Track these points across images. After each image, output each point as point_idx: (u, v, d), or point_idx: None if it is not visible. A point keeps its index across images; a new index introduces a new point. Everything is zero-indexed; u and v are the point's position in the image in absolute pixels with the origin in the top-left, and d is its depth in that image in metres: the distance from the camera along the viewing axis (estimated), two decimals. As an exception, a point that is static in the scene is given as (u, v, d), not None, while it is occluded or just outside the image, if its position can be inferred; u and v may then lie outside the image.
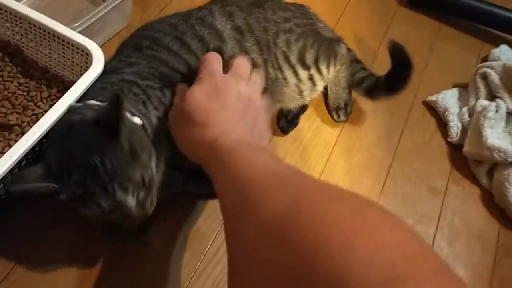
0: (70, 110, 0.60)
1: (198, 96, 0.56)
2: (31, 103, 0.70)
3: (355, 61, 0.87)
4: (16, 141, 0.66)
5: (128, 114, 0.58)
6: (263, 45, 0.74)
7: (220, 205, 0.47)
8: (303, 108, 0.84)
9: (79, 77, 0.63)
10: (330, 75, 0.81)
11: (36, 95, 0.71)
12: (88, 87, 0.63)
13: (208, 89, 0.56)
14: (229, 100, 0.56)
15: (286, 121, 0.82)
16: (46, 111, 0.69)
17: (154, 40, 0.68)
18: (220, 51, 0.68)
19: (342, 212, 0.34)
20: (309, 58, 0.77)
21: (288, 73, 0.77)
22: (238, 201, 0.43)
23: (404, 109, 0.90)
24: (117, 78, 0.64)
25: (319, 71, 0.79)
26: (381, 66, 0.87)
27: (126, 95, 0.61)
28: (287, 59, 0.76)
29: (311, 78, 0.79)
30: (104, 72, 0.65)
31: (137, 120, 0.59)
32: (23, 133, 0.68)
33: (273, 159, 0.48)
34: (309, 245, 0.31)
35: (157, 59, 0.66)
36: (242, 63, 0.62)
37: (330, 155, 0.81)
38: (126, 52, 0.69)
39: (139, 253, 0.66)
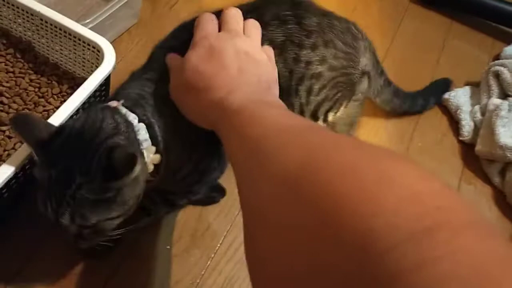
0: (113, 109, 0.55)
1: (195, 61, 0.54)
2: (42, 99, 0.70)
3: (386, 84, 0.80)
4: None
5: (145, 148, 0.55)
6: (284, 93, 0.64)
7: (233, 168, 0.44)
8: None
9: (90, 74, 0.62)
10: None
11: (47, 91, 0.70)
12: (100, 83, 0.62)
13: (204, 51, 0.54)
14: (227, 58, 0.53)
15: None
16: (57, 108, 0.69)
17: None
18: None
19: (361, 163, 0.31)
20: (322, 110, 0.70)
21: None
22: (250, 160, 0.40)
23: (416, 107, 0.89)
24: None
25: (325, 120, 0.72)
26: (392, 63, 0.86)
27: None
28: (301, 112, 0.68)
29: None
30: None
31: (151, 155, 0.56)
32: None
33: (283, 113, 0.46)
34: (328, 200, 0.29)
35: None
36: (232, 16, 0.58)
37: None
38: None
39: (147, 252, 0.66)
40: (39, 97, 0.70)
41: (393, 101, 0.82)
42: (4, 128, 0.67)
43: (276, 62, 0.62)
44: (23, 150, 0.55)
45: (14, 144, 0.65)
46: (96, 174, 0.49)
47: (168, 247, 0.66)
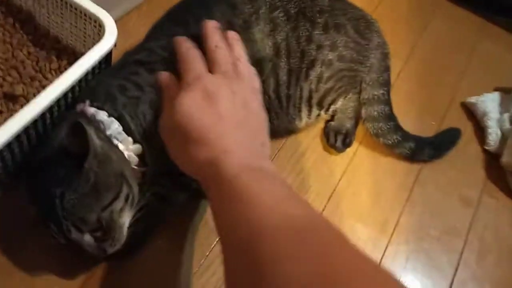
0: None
1: (189, 106, 0.49)
2: (39, 74, 0.65)
3: (388, 115, 0.74)
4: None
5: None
6: (293, 76, 0.65)
7: (221, 242, 0.42)
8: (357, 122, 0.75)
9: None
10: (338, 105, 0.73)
11: (45, 65, 0.66)
12: (98, 60, 0.58)
13: (199, 96, 0.50)
14: (224, 106, 0.49)
15: (342, 138, 0.74)
16: (53, 84, 0.65)
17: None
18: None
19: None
20: (328, 100, 0.70)
21: (302, 113, 0.70)
22: (244, 259, 0.36)
23: (440, 110, 0.83)
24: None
25: (328, 110, 0.72)
26: (418, 63, 0.80)
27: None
28: (309, 99, 0.68)
29: (318, 116, 0.73)
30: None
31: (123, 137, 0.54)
32: (27, 105, 0.63)
33: (284, 194, 0.43)
34: None
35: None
36: (220, 53, 0.54)
37: (355, 154, 0.75)
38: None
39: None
40: (36, 72, 0.66)
41: (399, 147, 0.74)
42: (-5, 101, 0.63)
43: (289, 39, 0.63)
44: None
45: (4, 120, 0.61)
46: (66, 173, 0.48)
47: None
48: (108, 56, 0.61)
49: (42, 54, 0.67)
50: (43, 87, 0.64)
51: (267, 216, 0.38)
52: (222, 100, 0.50)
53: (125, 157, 0.53)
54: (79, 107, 0.55)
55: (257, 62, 0.61)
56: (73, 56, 0.67)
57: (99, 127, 0.53)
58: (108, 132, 0.53)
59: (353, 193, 0.71)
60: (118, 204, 0.50)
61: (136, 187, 0.54)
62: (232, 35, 0.58)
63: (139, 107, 0.55)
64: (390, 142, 0.73)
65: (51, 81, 0.64)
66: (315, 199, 0.70)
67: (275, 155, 0.73)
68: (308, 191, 0.70)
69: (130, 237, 0.53)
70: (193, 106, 0.49)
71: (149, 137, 0.55)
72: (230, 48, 0.56)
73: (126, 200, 0.51)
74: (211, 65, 0.54)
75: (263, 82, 0.60)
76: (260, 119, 0.53)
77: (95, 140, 0.49)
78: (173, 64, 0.57)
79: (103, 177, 0.49)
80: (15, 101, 0.63)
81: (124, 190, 0.51)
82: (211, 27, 0.58)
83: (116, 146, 0.53)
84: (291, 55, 0.65)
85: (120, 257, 0.56)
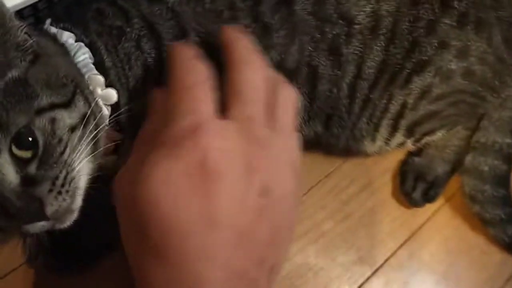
0: None
1: (162, 184, 0.28)
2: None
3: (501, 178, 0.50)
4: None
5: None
6: (385, 73, 0.44)
7: None
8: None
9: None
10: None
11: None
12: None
13: (185, 169, 0.28)
14: (226, 197, 0.28)
15: (424, 188, 0.51)
16: None
17: None
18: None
19: None
20: (424, 128, 0.48)
21: (378, 134, 0.48)
22: None
23: None
24: None
25: (419, 141, 0.50)
26: None
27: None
28: (398, 117, 0.46)
29: (400, 144, 0.49)
30: None
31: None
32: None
33: None
34: None
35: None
36: (251, 83, 0.32)
37: (434, 215, 0.52)
38: None
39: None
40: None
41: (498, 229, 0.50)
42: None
43: (400, 16, 0.43)
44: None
45: None
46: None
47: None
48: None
49: None
50: None
51: None
52: (227, 186, 0.28)
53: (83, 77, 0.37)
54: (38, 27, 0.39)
55: (340, 17, 0.42)
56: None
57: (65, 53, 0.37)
58: (75, 60, 0.38)
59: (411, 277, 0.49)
60: (66, 115, 0.33)
61: (102, 121, 0.37)
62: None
63: (122, 43, 0.39)
64: (488, 216, 0.50)
65: None
66: (349, 271, 0.48)
67: (320, 181, 0.50)
68: (339, 254, 0.48)
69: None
70: (174, 179, 0.28)
71: (131, 93, 0.39)
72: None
73: (83, 120, 0.34)
74: (228, 98, 0.31)
75: (340, 64, 0.43)
76: (285, 218, 0.30)
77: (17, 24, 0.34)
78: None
79: (38, 70, 0.34)
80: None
81: (78, 103, 0.35)
82: (236, 33, 0.35)
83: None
84: (394, 40, 0.43)
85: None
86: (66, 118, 0.33)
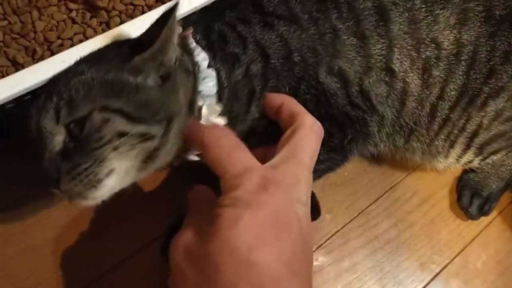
0: None
1: (253, 237, 0.30)
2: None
3: None
4: (95, 31, 0.47)
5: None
6: (465, 96, 0.48)
7: None
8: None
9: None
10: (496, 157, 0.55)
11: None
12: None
13: (268, 221, 0.31)
14: (296, 244, 0.31)
15: (480, 203, 0.56)
16: (148, 8, 0.49)
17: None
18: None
19: None
20: (492, 147, 0.52)
21: (453, 151, 0.52)
22: None
23: None
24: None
25: (485, 159, 0.54)
26: None
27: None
28: (474, 136, 0.50)
29: (469, 162, 0.54)
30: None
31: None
32: (107, 24, 0.48)
33: None
34: None
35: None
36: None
37: (488, 227, 0.57)
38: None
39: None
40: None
41: None
42: (73, 6, 0.47)
43: (479, 46, 0.46)
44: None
45: (74, 35, 0.46)
46: (111, 53, 0.38)
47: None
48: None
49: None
50: (134, 7, 0.48)
51: None
52: (294, 233, 0.31)
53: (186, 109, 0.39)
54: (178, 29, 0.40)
55: (431, 42, 0.46)
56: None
57: (196, 76, 0.40)
58: (199, 86, 0.40)
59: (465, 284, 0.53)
60: (123, 123, 0.35)
61: (169, 155, 0.39)
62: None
63: (236, 70, 0.42)
64: None
65: (146, 3, 0.49)
66: (412, 275, 0.53)
67: (386, 192, 0.55)
68: (403, 260, 0.53)
69: None
70: (259, 233, 0.30)
71: (233, 120, 0.42)
72: None
73: (140, 139, 0.36)
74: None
75: (423, 80, 0.47)
76: (311, 255, 0.35)
77: (176, 43, 0.37)
78: (309, 35, 0.42)
79: (146, 91, 0.36)
80: (95, 14, 0.48)
81: (152, 129, 0.36)
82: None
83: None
84: (474, 67, 0.47)
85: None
86: (121, 125, 0.35)
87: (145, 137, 0.36)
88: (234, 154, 0.33)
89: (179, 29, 0.39)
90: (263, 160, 0.35)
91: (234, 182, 0.32)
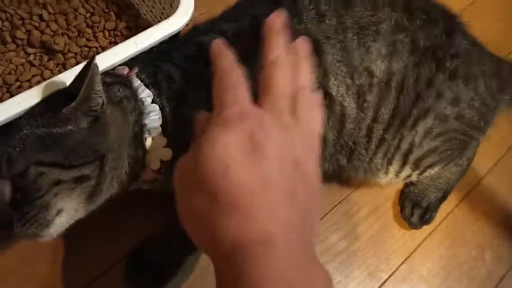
0: None
1: (225, 150, 0.33)
2: (90, 30, 0.53)
3: None
4: (52, 72, 0.51)
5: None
6: (397, 118, 0.52)
7: None
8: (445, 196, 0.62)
9: (156, 21, 0.46)
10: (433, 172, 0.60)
11: (99, 21, 0.54)
12: (161, 40, 0.45)
13: (240, 140, 0.34)
14: (270, 165, 0.34)
15: (420, 213, 0.61)
16: (102, 49, 0.53)
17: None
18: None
19: None
20: (427, 162, 0.57)
21: (391, 168, 0.56)
22: None
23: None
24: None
25: (422, 173, 0.58)
26: None
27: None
28: (407, 153, 0.55)
29: (407, 177, 0.58)
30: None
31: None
32: (64, 65, 0.52)
33: None
34: None
35: None
36: (281, 78, 0.38)
37: (431, 235, 0.61)
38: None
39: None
40: (87, 26, 0.54)
41: None
42: (30, 50, 0.51)
43: (407, 74, 0.51)
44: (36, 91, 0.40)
45: (32, 77, 0.50)
46: (46, 108, 0.40)
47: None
48: (175, 36, 0.48)
49: (100, 7, 0.55)
50: (89, 49, 0.53)
51: None
52: (270, 155, 0.34)
53: (127, 143, 0.43)
54: (124, 70, 0.45)
55: (364, 70, 0.50)
56: (135, 21, 0.55)
57: (140, 111, 0.44)
58: (144, 120, 0.44)
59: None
60: (58, 173, 0.39)
61: (113, 187, 0.43)
62: (302, 46, 0.41)
63: (184, 108, 0.45)
64: None
65: (99, 45, 0.53)
66: (361, 284, 0.56)
67: (334, 208, 0.59)
68: (352, 270, 0.57)
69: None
70: (231, 152, 0.33)
71: (178, 150, 0.44)
72: (295, 67, 0.40)
73: (76, 182, 0.40)
74: (261, 91, 0.38)
75: (358, 104, 0.50)
76: (313, 189, 0.36)
77: (99, 90, 0.40)
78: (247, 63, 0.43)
79: (74, 136, 0.39)
80: (52, 56, 0.52)
81: (85, 171, 0.40)
82: (276, 28, 0.40)
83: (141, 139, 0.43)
84: (403, 93, 0.52)
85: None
86: (56, 175, 0.39)
87: (80, 180, 0.39)
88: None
89: (124, 69, 0.44)
90: None
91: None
